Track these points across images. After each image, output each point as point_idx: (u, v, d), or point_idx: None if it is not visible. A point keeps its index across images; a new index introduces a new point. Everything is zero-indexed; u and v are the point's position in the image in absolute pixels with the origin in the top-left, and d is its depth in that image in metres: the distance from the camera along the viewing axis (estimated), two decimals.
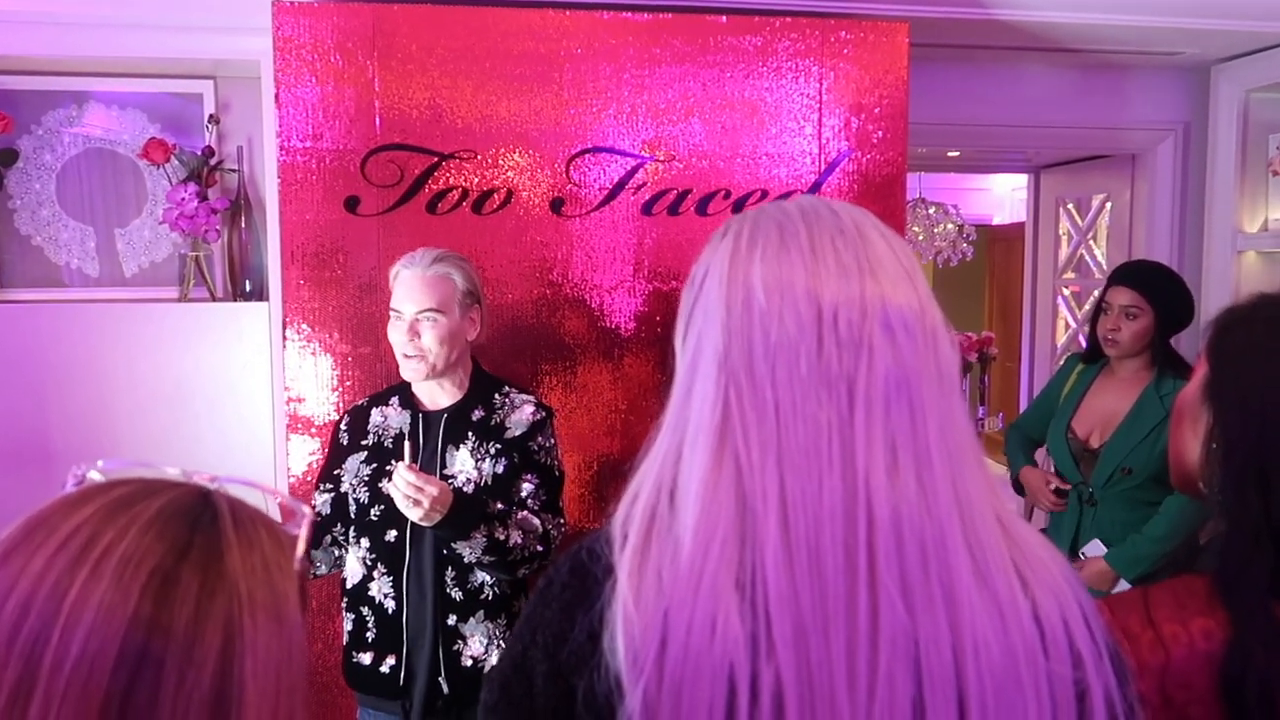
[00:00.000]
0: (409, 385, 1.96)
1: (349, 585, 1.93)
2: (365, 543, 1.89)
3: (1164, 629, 0.90)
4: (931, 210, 5.55)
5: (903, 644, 0.69)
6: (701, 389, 0.75)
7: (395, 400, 1.96)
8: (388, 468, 1.83)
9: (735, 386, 0.73)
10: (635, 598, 0.71)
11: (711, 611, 0.69)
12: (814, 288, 0.73)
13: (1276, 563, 0.89)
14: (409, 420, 1.93)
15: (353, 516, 1.91)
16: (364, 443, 1.93)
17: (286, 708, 0.58)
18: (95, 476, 0.63)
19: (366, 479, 1.90)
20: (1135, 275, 2.57)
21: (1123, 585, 2.47)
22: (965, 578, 0.70)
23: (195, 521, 0.59)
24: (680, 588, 0.70)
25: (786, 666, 0.68)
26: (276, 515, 0.65)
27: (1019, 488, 2.76)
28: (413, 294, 1.86)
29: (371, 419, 1.95)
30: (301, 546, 0.64)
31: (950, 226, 5.57)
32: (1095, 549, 2.51)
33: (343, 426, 1.98)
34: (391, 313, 1.89)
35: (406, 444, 1.80)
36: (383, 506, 1.85)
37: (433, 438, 1.91)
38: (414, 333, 1.85)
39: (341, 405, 2.24)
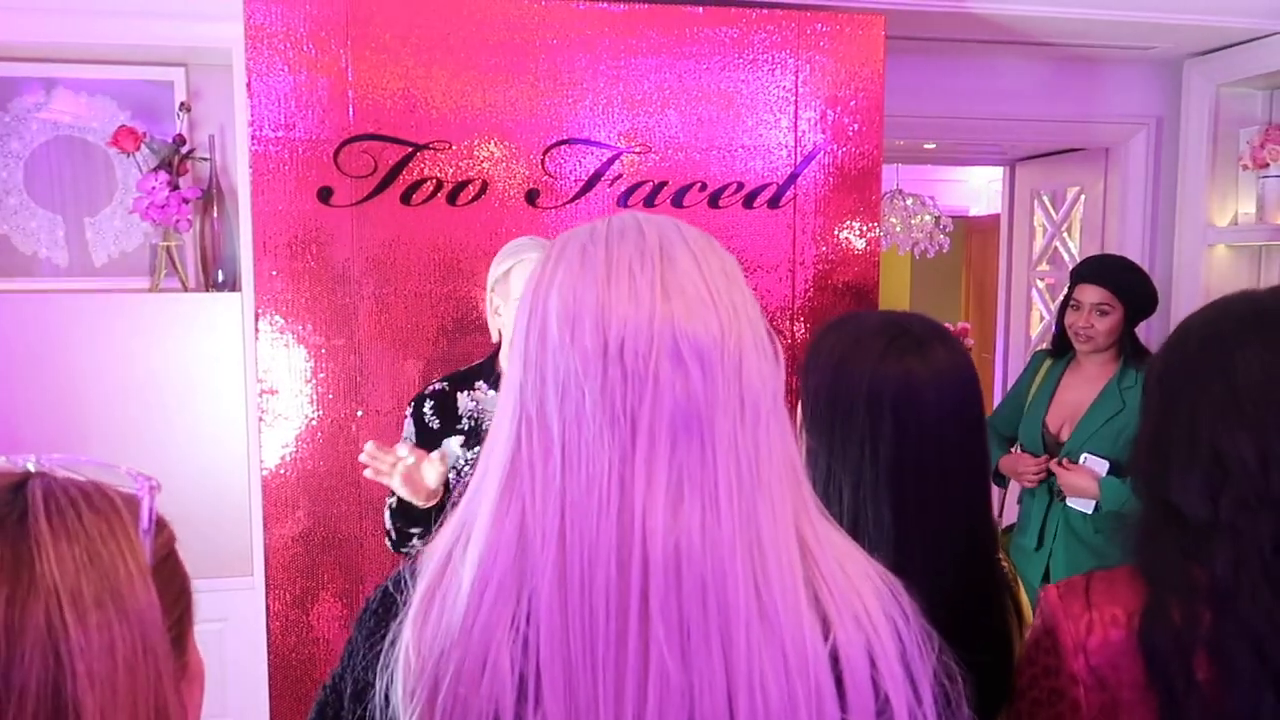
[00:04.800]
0: (494, 366, 1.96)
1: None
2: None
3: (1102, 611, 0.95)
4: (908, 202, 5.55)
5: (675, 687, 0.67)
6: (502, 424, 0.73)
7: (482, 384, 1.97)
8: None
9: (526, 422, 0.71)
10: (416, 641, 0.71)
11: (482, 654, 0.68)
12: (602, 318, 0.69)
13: (1181, 530, 0.93)
14: None
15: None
16: (459, 426, 1.94)
17: (148, 697, 0.54)
18: None
19: (472, 462, 1.92)
20: (1103, 273, 2.60)
21: (1087, 504, 2.51)
22: (745, 617, 0.68)
23: None
24: (455, 630, 0.69)
25: (554, 712, 0.67)
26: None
27: (1000, 479, 2.77)
28: None
29: (460, 403, 1.96)
30: (146, 517, 0.58)
31: (927, 218, 5.57)
32: (1097, 464, 2.50)
33: (427, 410, 1.95)
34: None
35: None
36: None
37: None
38: None
39: (315, 397, 2.23)
